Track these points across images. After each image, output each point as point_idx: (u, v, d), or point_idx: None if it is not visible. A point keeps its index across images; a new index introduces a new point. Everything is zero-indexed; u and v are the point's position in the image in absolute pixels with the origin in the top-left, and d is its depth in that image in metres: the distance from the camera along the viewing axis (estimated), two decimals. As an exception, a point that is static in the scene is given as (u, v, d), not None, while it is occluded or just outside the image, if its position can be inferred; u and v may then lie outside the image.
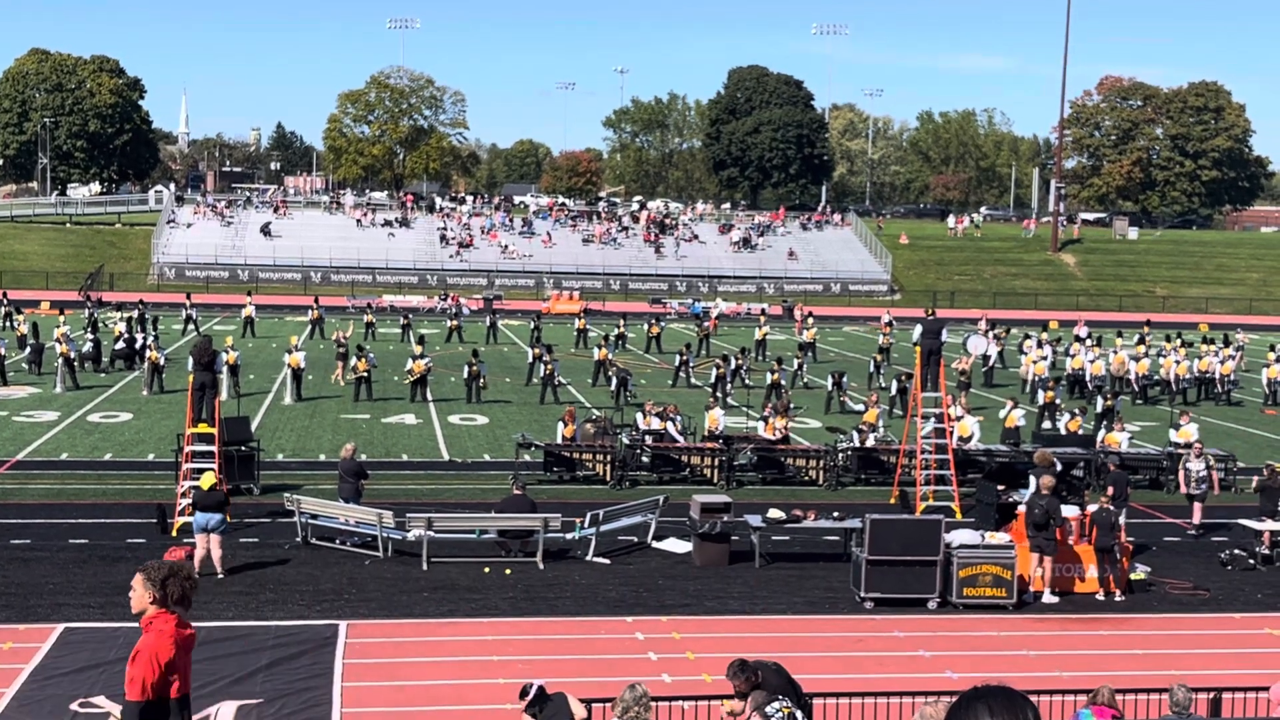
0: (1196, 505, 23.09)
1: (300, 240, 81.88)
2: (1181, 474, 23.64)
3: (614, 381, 35.31)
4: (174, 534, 20.53)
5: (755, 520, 20.15)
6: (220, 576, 18.34)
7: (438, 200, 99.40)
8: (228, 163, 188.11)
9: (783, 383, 35.52)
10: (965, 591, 18.04)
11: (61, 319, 43.21)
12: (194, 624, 16.39)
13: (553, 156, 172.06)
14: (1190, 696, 11.50)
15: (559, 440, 26.32)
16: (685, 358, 40.78)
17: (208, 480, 18.84)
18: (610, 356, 40.02)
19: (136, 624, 7.55)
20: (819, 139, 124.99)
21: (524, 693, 11.10)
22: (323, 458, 27.33)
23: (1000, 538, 18.66)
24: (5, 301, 53.33)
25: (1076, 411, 29.93)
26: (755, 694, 11.08)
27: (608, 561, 19.97)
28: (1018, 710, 3.75)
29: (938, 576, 17.98)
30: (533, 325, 50.73)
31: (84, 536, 20.52)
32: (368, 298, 67.60)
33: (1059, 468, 22.33)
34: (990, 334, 46.17)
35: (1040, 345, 43.60)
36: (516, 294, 76.98)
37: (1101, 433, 27.70)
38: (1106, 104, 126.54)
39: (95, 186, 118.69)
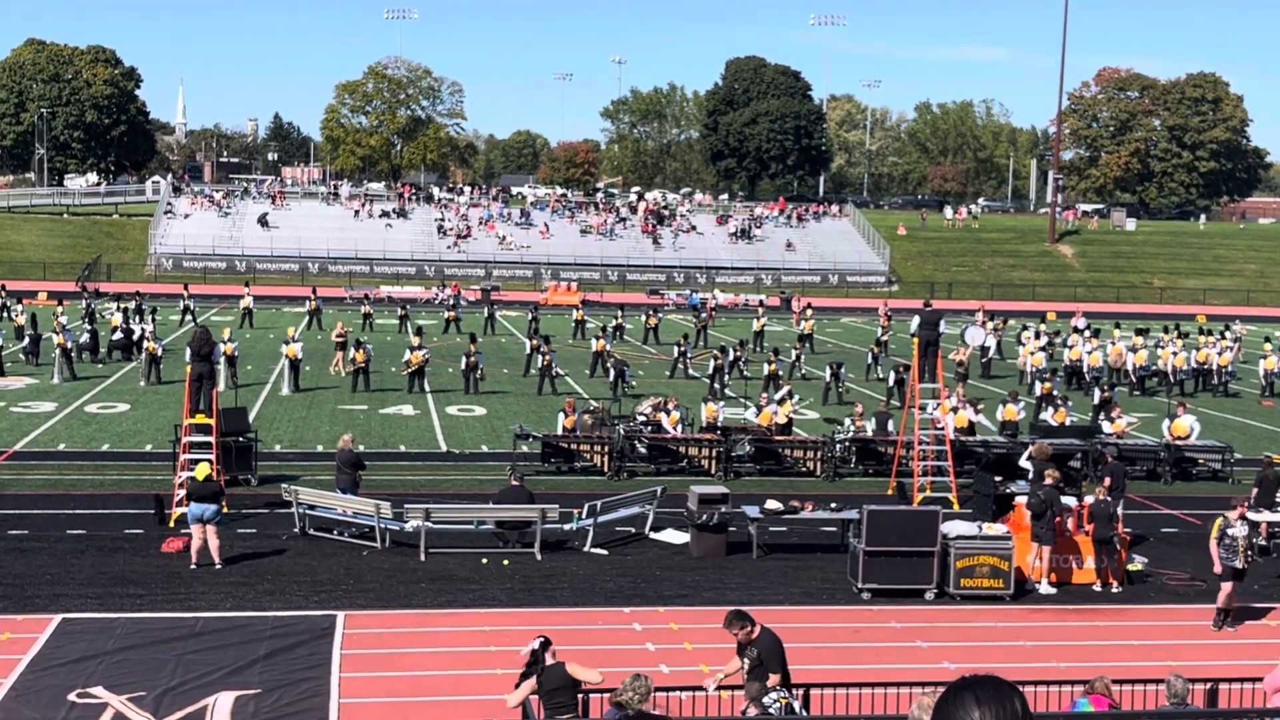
0: (1231, 585, 17.06)
1: (297, 231, 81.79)
2: (1218, 547, 16.95)
3: (611, 373, 35.31)
4: (171, 524, 20.53)
5: (753, 511, 20.15)
6: (218, 567, 18.35)
7: (435, 191, 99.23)
8: (225, 153, 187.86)
9: (780, 373, 35.53)
10: (962, 582, 18.06)
11: (59, 310, 43.17)
12: (192, 614, 16.48)
13: (550, 147, 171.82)
14: (1187, 687, 11.52)
15: (559, 431, 26.31)
16: (683, 349, 40.76)
17: (203, 471, 18.83)
18: (608, 347, 40.01)
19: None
20: (817, 130, 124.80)
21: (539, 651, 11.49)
22: (320, 448, 27.32)
23: (997, 529, 18.68)
24: (3, 292, 53.24)
25: (1060, 403, 30.01)
26: (750, 685, 11.18)
27: (605, 552, 19.99)
28: (1005, 699, 3.75)
29: (935, 567, 18.00)
30: (530, 316, 50.73)
31: (82, 527, 20.53)
32: (365, 289, 67.52)
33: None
34: (988, 325, 46.17)
35: (1038, 336, 43.58)
36: (514, 285, 76.91)
37: (1107, 424, 27.68)
38: (1104, 95, 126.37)
39: (92, 177, 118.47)
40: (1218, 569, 16.98)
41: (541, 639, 11.58)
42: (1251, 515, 20.88)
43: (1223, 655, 16.00)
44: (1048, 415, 29.78)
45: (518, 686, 11.47)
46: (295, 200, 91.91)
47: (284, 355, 36.09)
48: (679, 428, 26.54)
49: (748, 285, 79.76)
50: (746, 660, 11.82)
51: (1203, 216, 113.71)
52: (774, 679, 11.35)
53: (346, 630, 15.99)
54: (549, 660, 11.40)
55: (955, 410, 26.74)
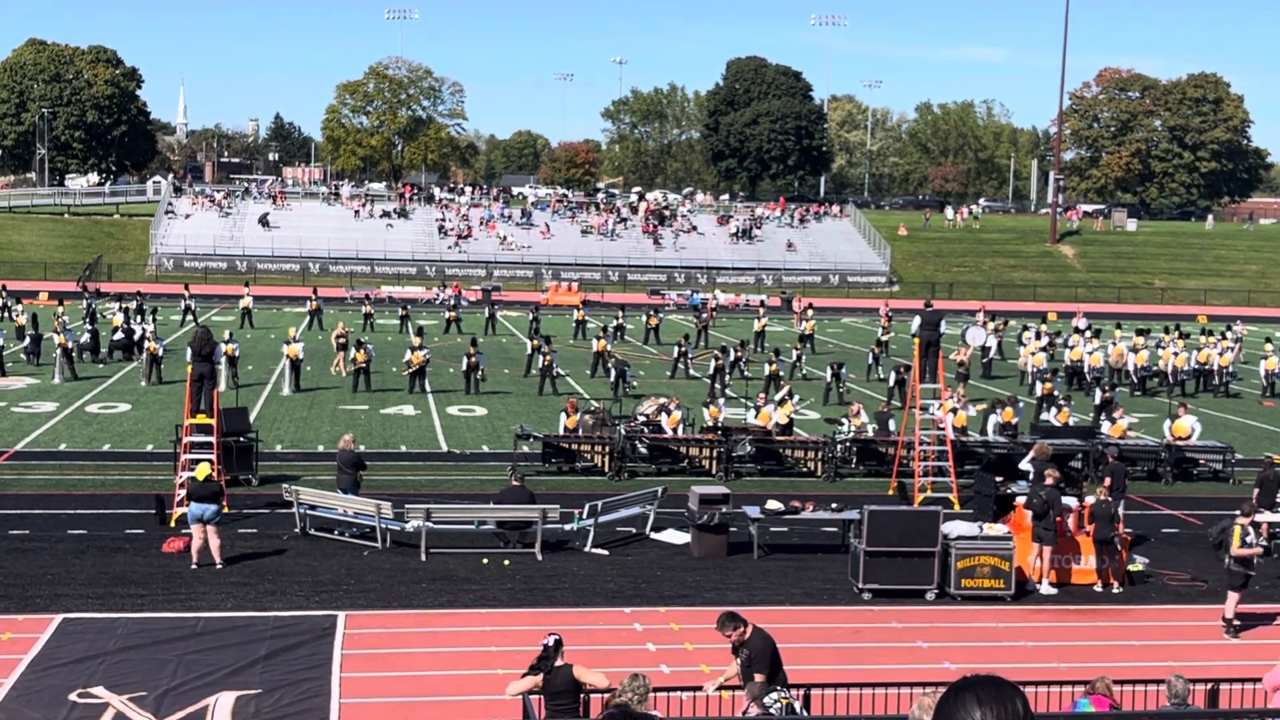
0: (1240, 594, 16.99)
1: (298, 231, 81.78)
2: (1241, 540, 16.72)
3: (613, 373, 35.30)
4: (172, 524, 20.54)
5: (753, 511, 20.15)
6: (218, 567, 18.36)
7: (436, 191, 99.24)
8: (226, 153, 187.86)
9: (781, 374, 35.54)
10: (963, 583, 18.06)
11: (60, 310, 43.18)
12: (193, 614, 16.48)
13: (551, 147, 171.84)
14: (1188, 687, 11.52)
15: (560, 431, 26.30)
16: (684, 349, 40.76)
17: (203, 471, 18.83)
18: (609, 348, 40.01)
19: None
20: (817, 130, 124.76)
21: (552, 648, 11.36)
22: (321, 448, 27.32)
23: (998, 529, 18.68)
24: (4, 292, 53.25)
25: (1063, 403, 30.01)
26: (752, 685, 11.20)
27: (606, 552, 19.99)
28: (1006, 699, 3.76)
29: (935, 567, 18.00)
30: (531, 316, 50.73)
31: (82, 527, 20.53)
32: (366, 289, 67.52)
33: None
34: (989, 326, 46.15)
35: (1039, 337, 43.58)
36: (515, 285, 76.90)
37: (1106, 425, 27.66)
38: (1105, 95, 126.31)
39: (93, 177, 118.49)
40: (1258, 554, 17.09)
41: (555, 637, 11.51)
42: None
43: (1223, 655, 16.00)
44: (1049, 415, 29.76)
45: (523, 677, 11.44)
46: (296, 200, 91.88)
47: (285, 355, 36.10)
48: (680, 428, 26.54)
49: (748, 285, 79.76)
50: (740, 661, 11.90)
51: (1209, 217, 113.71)
52: (759, 679, 11.39)
53: (347, 630, 16.00)
54: (559, 661, 11.36)
55: (955, 411, 26.74)
